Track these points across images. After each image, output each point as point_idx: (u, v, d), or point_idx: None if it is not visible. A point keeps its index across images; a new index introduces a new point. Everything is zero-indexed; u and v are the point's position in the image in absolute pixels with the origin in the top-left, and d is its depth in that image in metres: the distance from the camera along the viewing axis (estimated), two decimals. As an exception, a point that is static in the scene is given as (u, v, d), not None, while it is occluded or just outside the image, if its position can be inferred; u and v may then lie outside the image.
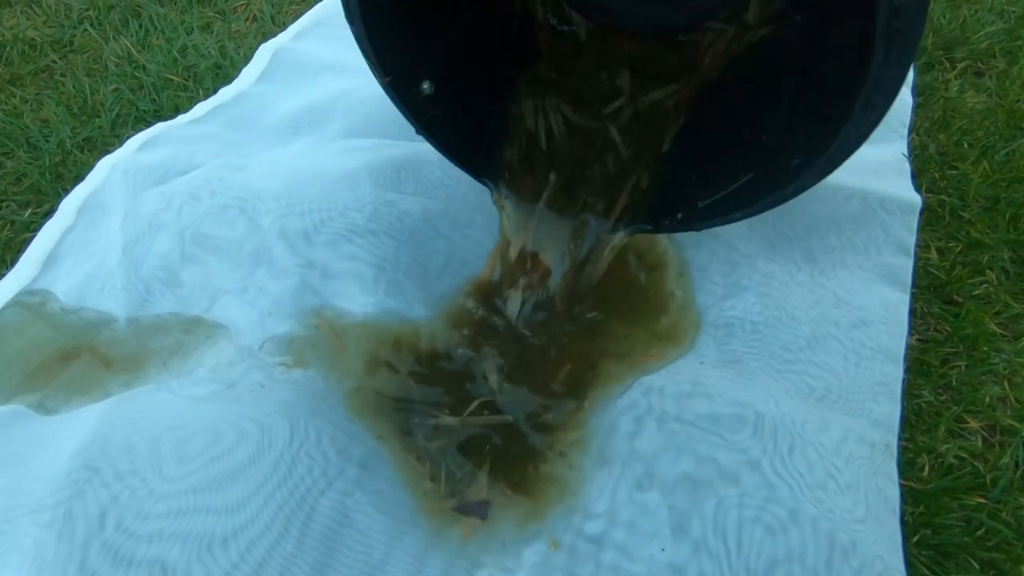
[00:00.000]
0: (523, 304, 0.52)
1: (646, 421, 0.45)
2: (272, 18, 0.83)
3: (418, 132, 0.52)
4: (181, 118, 0.69)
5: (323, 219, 0.57)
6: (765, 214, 0.45)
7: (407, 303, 0.53)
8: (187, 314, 0.53)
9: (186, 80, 0.72)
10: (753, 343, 0.48)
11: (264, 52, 0.78)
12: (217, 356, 0.51)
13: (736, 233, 0.56)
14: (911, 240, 0.54)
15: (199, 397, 0.49)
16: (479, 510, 0.45)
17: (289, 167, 0.63)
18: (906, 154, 0.64)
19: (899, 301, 0.49)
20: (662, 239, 0.55)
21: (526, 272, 0.52)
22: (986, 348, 0.53)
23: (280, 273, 0.55)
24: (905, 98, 0.71)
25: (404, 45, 0.48)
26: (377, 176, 0.61)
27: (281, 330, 0.52)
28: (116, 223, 0.60)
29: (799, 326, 0.48)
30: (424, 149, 0.64)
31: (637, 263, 0.55)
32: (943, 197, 0.63)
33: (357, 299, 0.53)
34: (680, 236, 0.55)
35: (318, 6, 0.85)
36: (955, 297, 0.57)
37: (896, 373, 0.45)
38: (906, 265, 0.52)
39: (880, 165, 0.63)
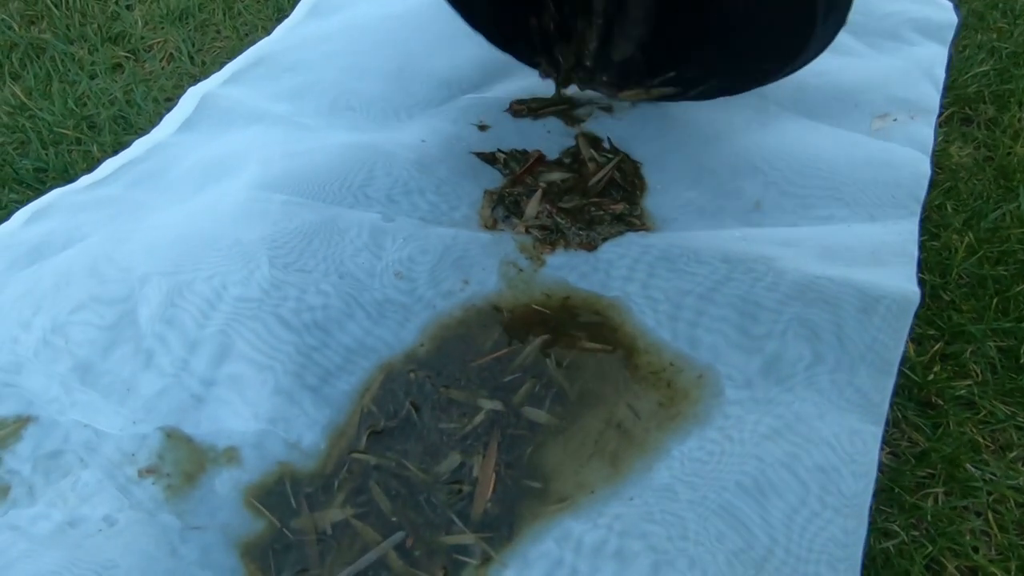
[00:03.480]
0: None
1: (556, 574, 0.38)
2: (191, 57, 0.75)
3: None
4: (82, 180, 0.61)
5: (208, 306, 0.50)
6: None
7: (295, 416, 0.45)
8: (39, 419, 0.46)
9: (80, 134, 0.65)
10: (692, 477, 0.41)
11: (190, 97, 0.69)
12: (69, 476, 0.44)
13: (689, 337, 0.48)
14: (897, 352, 0.46)
15: (40, 537, 0.41)
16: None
17: (182, 232, 0.55)
18: (917, 236, 0.55)
19: (870, 436, 0.41)
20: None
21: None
22: (968, 467, 0.46)
23: (153, 373, 0.47)
24: (922, 168, 0.61)
25: None
26: (278, 250, 0.54)
27: (146, 444, 0.45)
28: (-21, 310, 0.52)
29: (747, 462, 0.40)
30: (341, 215, 0.57)
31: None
32: (923, 275, 0.56)
33: (238, 408, 0.46)
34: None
35: (262, 42, 0.75)
36: (934, 399, 0.50)
37: (860, 532, 0.37)
38: (885, 388, 0.44)
39: (881, 247, 0.54)
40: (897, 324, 0.48)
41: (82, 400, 0.46)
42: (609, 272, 0.53)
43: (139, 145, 0.65)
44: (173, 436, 0.45)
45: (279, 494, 0.43)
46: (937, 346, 0.51)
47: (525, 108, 0.66)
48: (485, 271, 0.54)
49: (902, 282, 0.50)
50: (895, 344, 0.47)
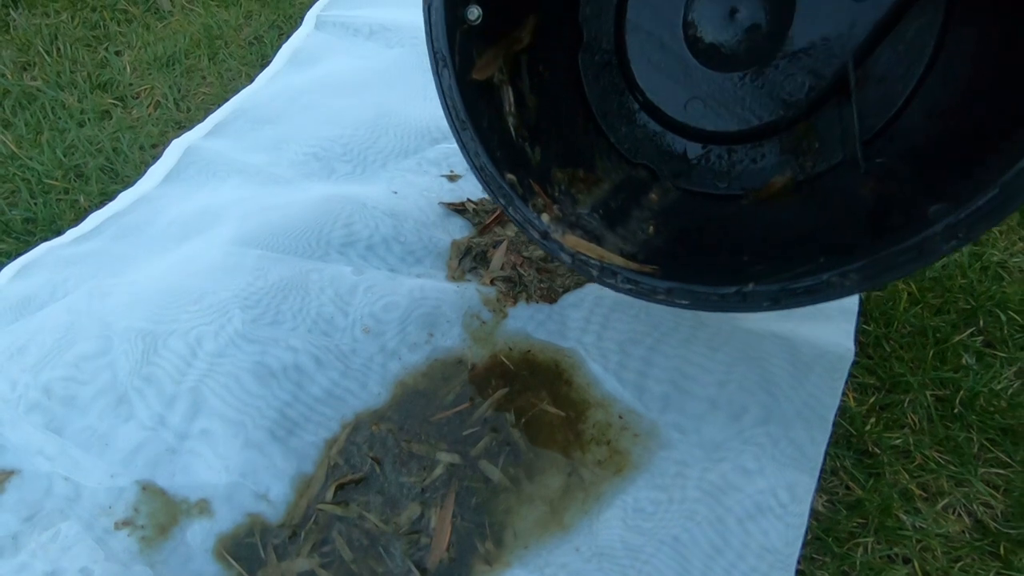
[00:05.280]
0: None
1: (504, 628, 0.41)
2: (176, 103, 0.78)
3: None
4: (69, 234, 0.64)
5: (183, 362, 0.53)
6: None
7: (264, 468, 0.48)
8: (22, 472, 0.48)
9: (68, 184, 0.68)
10: (633, 532, 0.44)
11: (175, 149, 0.72)
12: (50, 528, 0.46)
13: (638, 388, 0.51)
14: (833, 406, 0.49)
15: (22, 589, 0.44)
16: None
17: (160, 286, 0.58)
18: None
19: (803, 489, 0.44)
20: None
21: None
22: (900, 514, 0.49)
23: (130, 427, 0.50)
24: None
25: None
26: (251, 307, 0.56)
27: (123, 497, 0.47)
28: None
29: (689, 512, 0.43)
30: (312, 268, 0.60)
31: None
32: (867, 326, 0.58)
33: (210, 461, 0.49)
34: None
35: (242, 93, 0.78)
36: (871, 448, 0.52)
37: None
38: (820, 441, 0.47)
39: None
40: (832, 379, 0.51)
41: (63, 454, 0.49)
42: (566, 323, 0.56)
43: (124, 197, 0.68)
44: (148, 489, 0.48)
45: (248, 545, 0.46)
46: (876, 396, 0.54)
47: None
48: (450, 323, 0.57)
49: (840, 338, 0.53)
50: (831, 398, 0.50)
